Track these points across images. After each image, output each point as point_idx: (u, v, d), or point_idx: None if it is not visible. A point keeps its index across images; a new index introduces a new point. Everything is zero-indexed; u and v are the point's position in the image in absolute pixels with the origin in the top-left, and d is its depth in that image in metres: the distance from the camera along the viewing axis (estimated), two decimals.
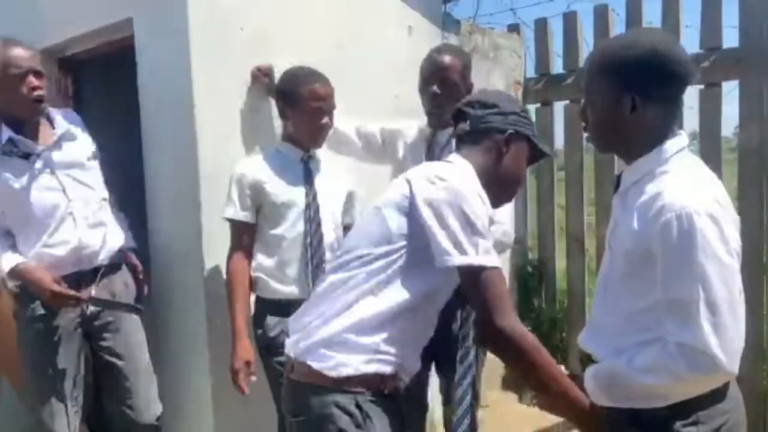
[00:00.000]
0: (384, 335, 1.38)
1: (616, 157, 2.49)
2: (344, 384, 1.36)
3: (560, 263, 3.82)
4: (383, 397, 1.42)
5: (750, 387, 2.92)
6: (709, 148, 3.06)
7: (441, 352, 2.06)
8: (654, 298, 1.26)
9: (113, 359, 2.21)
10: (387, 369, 1.40)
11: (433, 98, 2.07)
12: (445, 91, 2.05)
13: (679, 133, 1.33)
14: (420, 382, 2.05)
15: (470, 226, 1.32)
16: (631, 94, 1.27)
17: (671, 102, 1.31)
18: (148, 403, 2.25)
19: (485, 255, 1.32)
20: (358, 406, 1.36)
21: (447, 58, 2.06)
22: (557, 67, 3.68)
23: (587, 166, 3.64)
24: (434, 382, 2.31)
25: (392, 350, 1.40)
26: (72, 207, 2.07)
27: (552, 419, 3.21)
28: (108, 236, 2.18)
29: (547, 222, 3.80)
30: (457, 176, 1.39)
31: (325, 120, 2.07)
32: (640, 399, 1.27)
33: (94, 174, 2.19)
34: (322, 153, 2.24)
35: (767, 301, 3.01)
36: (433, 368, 2.22)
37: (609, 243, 1.41)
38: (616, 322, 1.35)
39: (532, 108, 3.80)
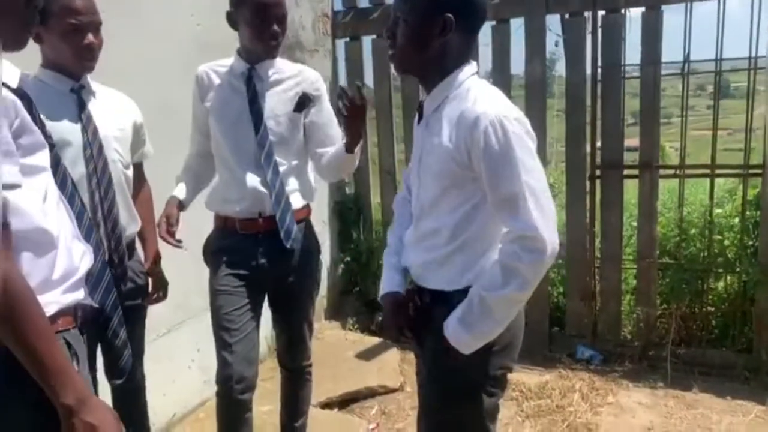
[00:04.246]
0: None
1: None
2: None
3: (375, 197, 3.98)
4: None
5: (538, 292, 3.32)
6: (500, 81, 3.34)
7: None
8: (468, 207, 1.37)
9: None
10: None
11: (272, 37, 1.94)
12: (281, 26, 1.94)
13: (470, 62, 1.44)
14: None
15: None
16: (445, 16, 1.33)
17: (472, 33, 1.41)
18: None
19: None
20: (67, 343, 1.15)
21: None
22: (363, 1, 3.71)
23: (396, 103, 3.78)
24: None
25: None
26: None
27: (372, 341, 3.42)
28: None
29: (362, 158, 3.89)
30: None
31: (89, 39, 1.74)
32: (508, 317, 1.35)
33: None
34: (96, 80, 1.89)
35: None
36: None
37: (417, 174, 1.47)
38: (434, 239, 1.44)
39: (341, 42, 3.82)
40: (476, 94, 1.36)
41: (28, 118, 1.09)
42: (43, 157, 1.13)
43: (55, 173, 1.21)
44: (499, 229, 1.40)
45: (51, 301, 1.10)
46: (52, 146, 1.25)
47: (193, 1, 2.71)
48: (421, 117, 1.48)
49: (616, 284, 3.29)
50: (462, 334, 1.37)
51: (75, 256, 1.18)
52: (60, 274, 1.13)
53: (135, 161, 2.00)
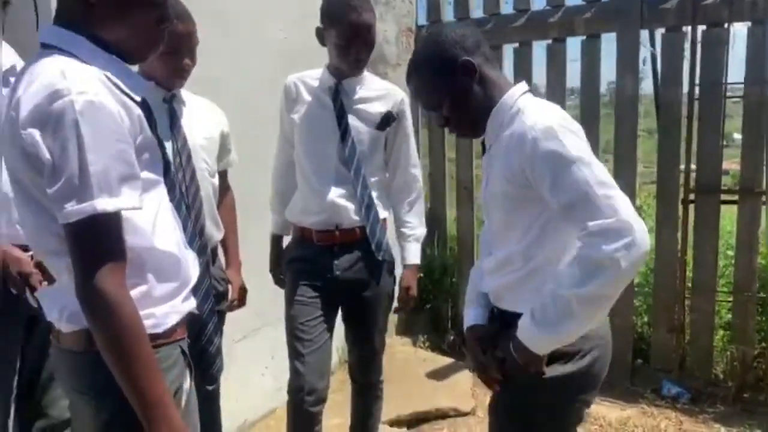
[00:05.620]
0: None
1: None
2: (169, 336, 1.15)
3: (451, 212, 3.92)
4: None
5: (622, 321, 3.18)
6: (588, 98, 3.21)
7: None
8: (537, 230, 1.32)
9: None
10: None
11: (356, 62, 1.95)
12: (367, 50, 1.95)
13: (515, 84, 1.41)
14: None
15: None
16: (459, 62, 1.34)
17: (489, 60, 1.39)
18: None
19: None
20: (183, 353, 1.20)
21: (369, 17, 1.88)
22: (449, 14, 3.67)
23: None
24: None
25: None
26: None
27: (444, 360, 3.34)
28: None
29: (439, 173, 3.86)
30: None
31: (186, 61, 1.77)
32: (590, 318, 1.23)
33: None
34: (186, 88, 1.89)
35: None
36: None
37: (486, 202, 1.47)
38: (508, 266, 1.39)
39: None
40: (525, 112, 1.33)
41: (149, 132, 1.12)
42: (159, 169, 1.15)
43: (165, 179, 1.22)
44: (573, 248, 1.27)
45: (173, 312, 1.13)
46: (164, 154, 1.28)
47: (281, 13, 2.76)
48: (485, 149, 1.46)
49: (709, 317, 3.06)
50: (534, 330, 1.26)
51: (190, 264, 1.20)
52: (179, 283, 1.15)
53: (220, 169, 2.03)
